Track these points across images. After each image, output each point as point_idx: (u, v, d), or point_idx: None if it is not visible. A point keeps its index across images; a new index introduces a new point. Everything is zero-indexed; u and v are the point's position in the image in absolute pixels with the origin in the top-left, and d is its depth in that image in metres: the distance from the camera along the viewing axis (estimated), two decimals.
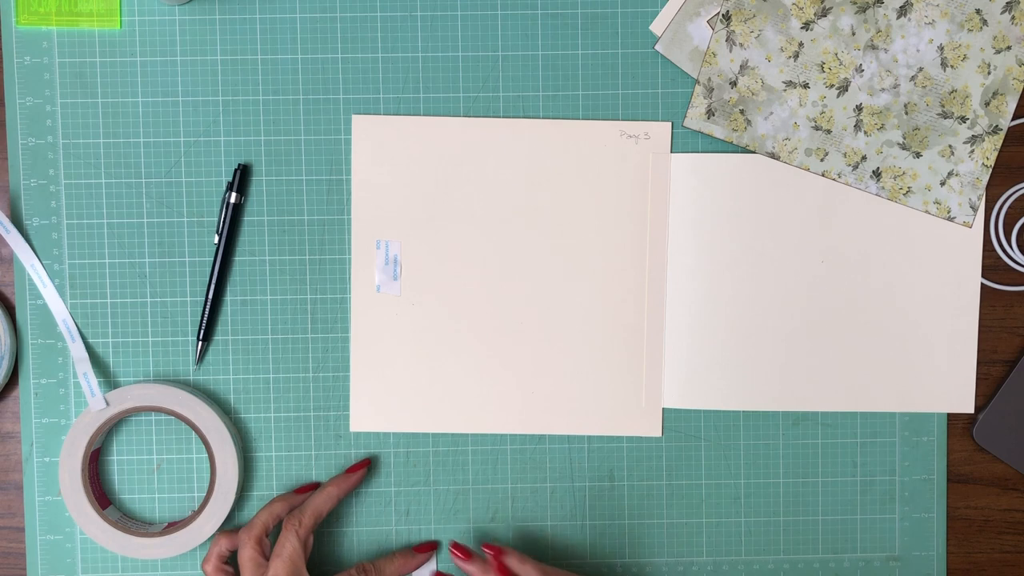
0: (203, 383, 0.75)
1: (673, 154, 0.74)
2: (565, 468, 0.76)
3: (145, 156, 0.74)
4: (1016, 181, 0.75)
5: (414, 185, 0.74)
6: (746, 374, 0.75)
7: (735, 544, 0.76)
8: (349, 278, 0.75)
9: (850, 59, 0.73)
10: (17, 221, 0.74)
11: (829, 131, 0.73)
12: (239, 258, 0.74)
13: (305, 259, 0.74)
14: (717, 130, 0.74)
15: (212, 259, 0.74)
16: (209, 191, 0.74)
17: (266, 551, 0.69)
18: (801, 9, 0.72)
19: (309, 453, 0.75)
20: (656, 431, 0.75)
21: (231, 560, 0.72)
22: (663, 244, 0.74)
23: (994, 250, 0.75)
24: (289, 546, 0.68)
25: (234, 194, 0.73)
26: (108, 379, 0.74)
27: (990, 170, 0.74)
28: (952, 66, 0.73)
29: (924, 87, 0.73)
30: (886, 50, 0.73)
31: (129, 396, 0.72)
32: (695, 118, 0.74)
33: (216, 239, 0.74)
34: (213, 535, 0.72)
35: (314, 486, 0.74)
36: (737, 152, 0.74)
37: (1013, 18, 0.72)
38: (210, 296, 0.74)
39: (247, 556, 0.69)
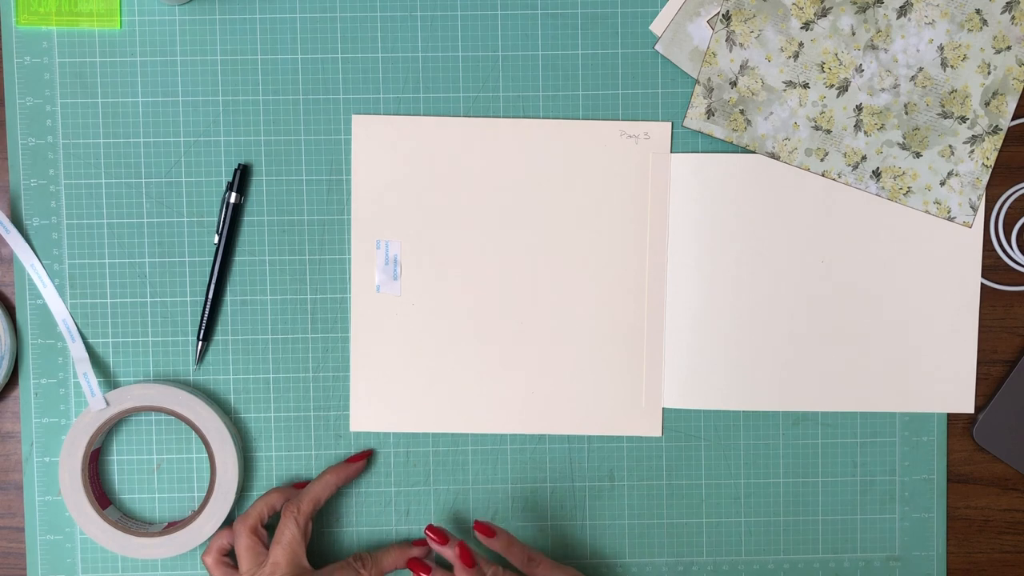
0: (203, 383, 0.75)
1: (673, 154, 0.74)
2: (565, 468, 0.76)
3: (145, 156, 0.74)
4: (1016, 181, 0.75)
5: (414, 185, 0.74)
6: (746, 374, 0.75)
7: (735, 544, 0.76)
8: (349, 278, 0.75)
9: (850, 59, 0.73)
10: (17, 221, 0.74)
11: (829, 131, 0.73)
12: (239, 258, 0.74)
13: (305, 259, 0.74)
14: (717, 130, 0.74)
15: (212, 259, 0.74)
16: (209, 191, 0.74)
17: (263, 539, 0.70)
18: (801, 9, 0.72)
19: (309, 453, 0.75)
20: (656, 431, 0.75)
21: (232, 554, 0.72)
22: (663, 244, 0.74)
23: (994, 250, 0.75)
24: (288, 533, 0.68)
25: (234, 194, 0.73)
26: (108, 379, 0.74)
27: (990, 170, 0.74)
28: (952, 66, 0.73)
29: (924, 87, 0.73)
30: (886, 50, 0.73)
31: (129, 396, 0.72)
32: (695, 118, 0.74)
33: (216, 239, 0.74)
34: (213, 534, 0.72)
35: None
36: (737, 152, 0.74)
37: (1013, 18, 0.72)
38: (210, 296, 0.74)
39: (244, 545, 0.69)
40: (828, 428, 0.76)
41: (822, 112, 0.73)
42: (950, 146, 0.73)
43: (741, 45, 0.73)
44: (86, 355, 0.73)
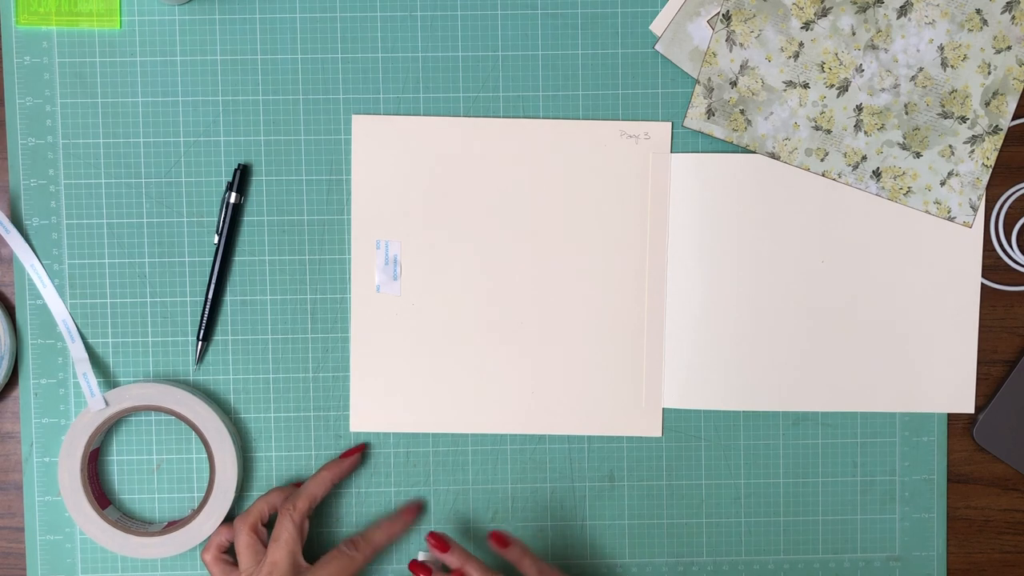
0: (203, 383, 0.75)
1: (673, 154, 0.74)
2: (565, 468, 0.76)
3: (145, 156, 0.74)
4: (1016, 181, 0.75)
5: (414, 185, 0.74)
6: (746, 374, 0.75)
7: (735, 544, 0.76)
8: (349, 278, 0.75)
9: (850, 59, 0.73)
10: (17, 221, 0.74)
11: (829, 131, 0.73)
12: (239, 258, 0.74)
13: (305, 259, 0.74)
14: (717, 130, 0.74)
15: (212, 259, 0.74)
16: (209, 191, 0.74)
17: (262, 538, 0.70)
18: (801, 9, 0.72)
19: (309, 453, 0.75)
20: (656, 431, 0.75)
21: (231, 551, 0.72)
22: (663, 244, 0.74)
23: (994, 250, 0.75)
24: (285, 532, 0.68)
25: (234, 194, 0.73)
26: (108, 379, 0.74)
27: (990, 170, 0.74)
28: (952, 66, 0.73)
29: (924, 87, 0.73)
30: (886, 50, 0.73)
31: (128, 396, 0.72)
32: (695, 118, 0.74)
33: (216, 239, 0.74)
34: (213, 532, 0.73)
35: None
36: (737, 152, 0.74)
37: (1013, 18, 0.72)
38: (210, 296, 0.74)
39: (243, 543, 0.69)
40: (828, 428, 0.76)
41: (822, 112, 0.73)
42: (950, 146, 0.73)
43: (741, 45, 0.73)
44: (86, 355, 0.73)
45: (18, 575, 0.75)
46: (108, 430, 0.75)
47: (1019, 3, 0.72)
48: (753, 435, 0.76)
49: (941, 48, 0.73)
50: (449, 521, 0.76)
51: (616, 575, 0.76)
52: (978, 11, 0.72)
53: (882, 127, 0.73)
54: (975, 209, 0.74)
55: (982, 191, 0.74)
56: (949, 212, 0.74)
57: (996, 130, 0.73)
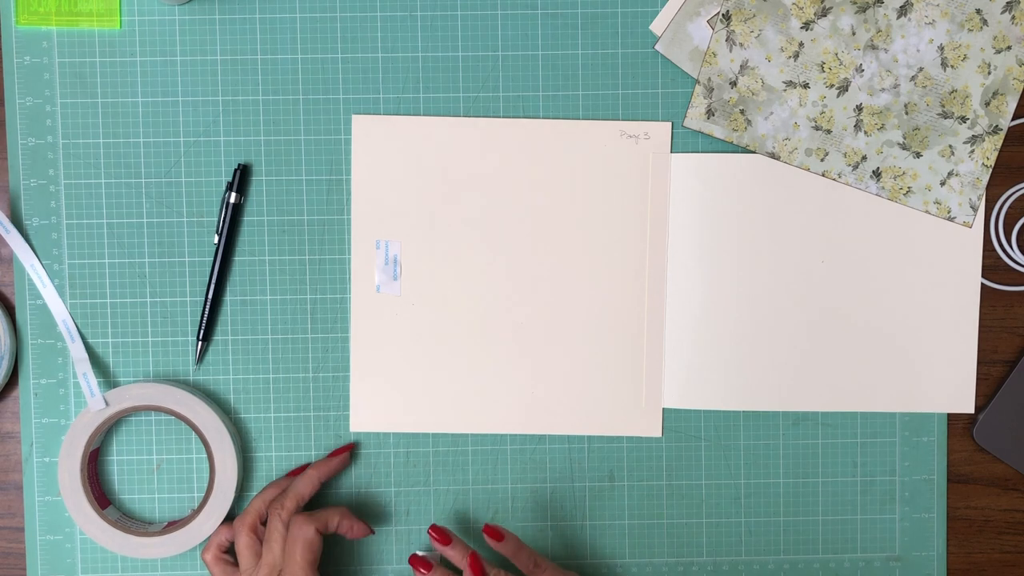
0: (203, 383, 0.75)
1: (673, 154, 0.74)
2: (565, 468, 0.76)
3: (145, 156, 0.74)
4: (1016, 181, 0.75)
5: (414, 185, 0.74)
6: (746, 374, 0.75)
7: (735, 544, 0.76)
8: (349, 278, 0.75)
9: (850, 59, 0.73)
10: (17, 221, 0.74)
11: (829, 131, 0.73)
12: (239, 258, 0.74)
13: (305, 259, 0.74)
14: (717, 130, 0.74)
15: (212, 259, 0.74)
16: (209, 191, 0.74)
17: (261, 537, 0.70)
18: (801, 9, 0.72)
19: (309, 453, 0.75)
20: (656, 431, 0.75)
21: (231, 551, 0.72)
22: (663, 244, 0.74)
23: (994, 250, 0.75)
24: (276, 532, 0.68)
25: (234, 194, 0.73)
26: (108, 379, 0.74)
27: (990, 170, 0.74)
28: (952, 66, 0.73)
29: (924, 87, 0.73)
30: (886, 50, 0.73)
31: (128, 395, 0.72)
32: (695, 118, 0.74)
33: (216, 239, 0.74)
34: (213, 532, 0.73)
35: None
36: (737, 152, 0.74)
37: (1013, 18, 0.72)
38: (210, 296, 0.74)
39: (243, 543, 0.69)
40: (828, 428, 0.76)
41: (822, 112, 0.73)
42: (950, 146, 0.73)
43: (741, 45, 0.73)
44: (86, 355, 0.73)
45: (18, 575, 0.75)
46: (108, 430, 0.75)
47: (1019, 3, 0.72)
48: (753, 435, 0.76)
49: (941, 48, 0.73)
50: (449, 521, 0.76)
51: (616, 575, 0.76)
52: (978, 11, 0.72)
53: (882, 127, 0.73)
54: (975, 209, 0.74)
55: (982, 191, 0.74)
56: (949, 212, 0.74)
57: (996, 130, 0.73)
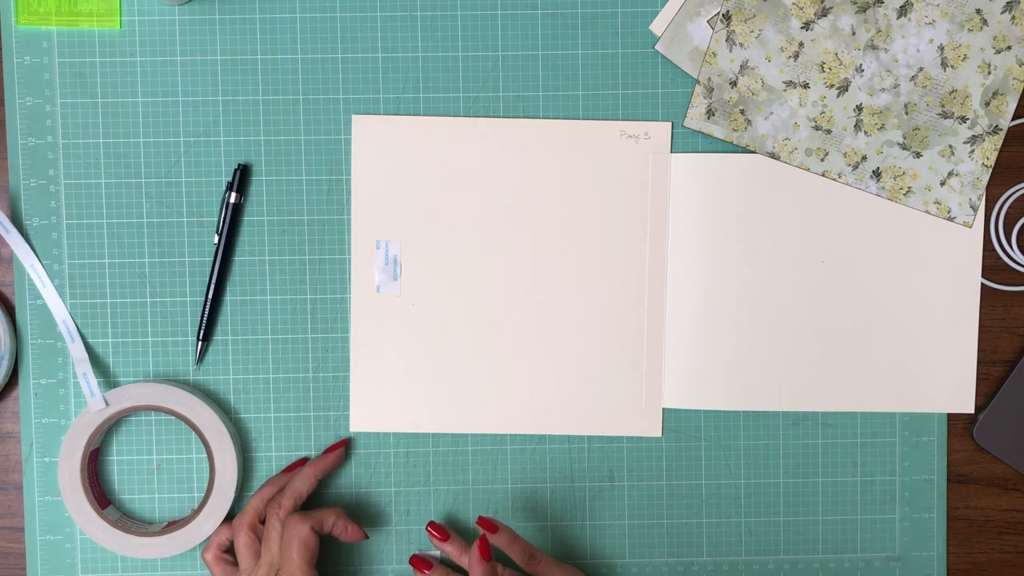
0: (203, 383, 0.75)
1: (673, 154, 0.74)
2: (565, 468, 0.76)
3: (145, 156, 0.74)
4: (1016, 181, 0.75)
5: (414, 185, 0.74)
6: (746, 374, 0.75)
7: (735, 544, 0.76)
8: (349, 278, 0.75)
9: (850, 59, 0.73)
10: (17, 221, 0.74)
11: (829, 131, 0.73)
12: (239, 258, 0.74)
13: (305, 259, 0.74)
14: (717, 130, 0.74)
15: (212, 259, 0.74)
16: (209, 191, 0.74)
17: (261, 536, 0.70)
18: (801, 9, 0.72)
19: (309, 453, 0.75)
20: (656, 431, 0.75)
21: (231, 551, 0.72)
22: (663, 244, 0.74)
23: (994, 250, 0.75)
24: (274, 531, 0.68)
25: (234, 194, 0.73)
26: (108, 379, 0.74)
27: (990, 170, 0.74)
28: (952, 66, 0.73)
29: (924, 87, 0.73)
30: (886, 50, 0.73)
31: (128, 395, 0.72)
32: (695, 118, 0.74)
33: (216, 239, 0.74)
34: (214, 531, 0.73)
35: (302, 462, 0.74)
36: (737, 152, 0.74)
37: (1013, 18, 0.72)
38: (210, 296, 0.74)
39: (242, 543, 0.69)
40: (828, 428, 0.76)
41: (822, 112, 0.73)
42: (950, 146, 0.73)
43: (741, 45, 0.73)
44: (86, 355, 0.73)
45: (18, 575, 0.75)
46: (108, 430, 0.75)
47: (1019, 3, 0.72)
48: (753, 435, 0.76)
49: (941, 48, 0.73)
50: (449, 521, 0.76)
51: (616, 575, 0.76)
52: (978, 11, 0.72)
53: (882, 127, 0.73)
54: (975, 209, 0.74)
55: (982, 191, 0.74)
56: (949, 212, 0.74)
57: (996, 130, 0.73)
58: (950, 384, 0.75)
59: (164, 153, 0.74)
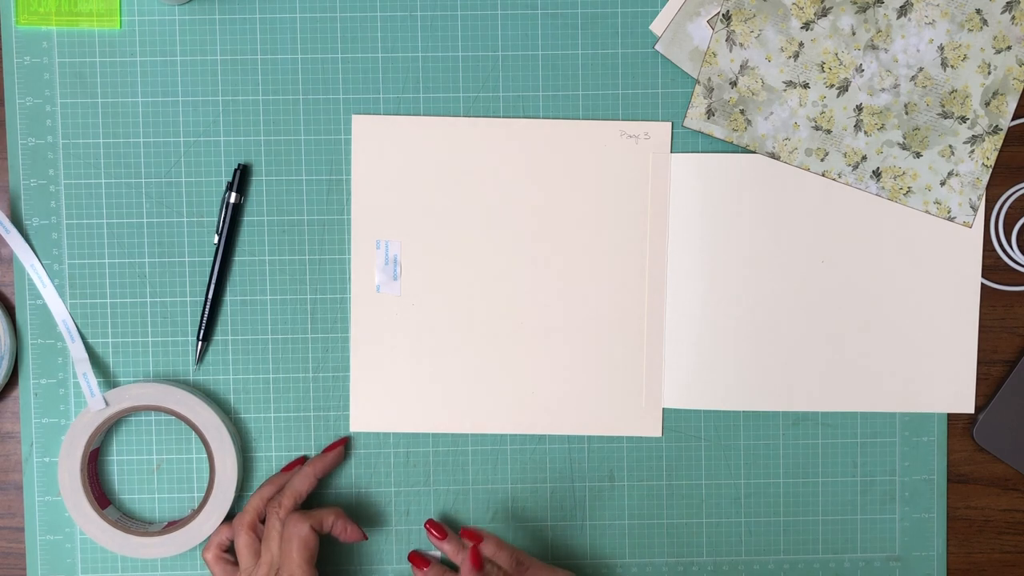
0: (203, 383, 0.75)
1: (673, 154, 0.74)
2: (565, 468, 0.76)
3: (145, 156, 0.74)
4: (1016, 181, 0.75)
5: (414, 185, 0.74)
6: (746, 374, 0.75)
7: (735, 544, 0.76)
8: (349, 278, 0.75)
9: (850, 59, 0.73)
10: (17, 221, 0.74)
11: (829, 131, 0.73)
12: (239, 258, 0.74)
13: (305, 259, 0.74)
14: (717, 130, 0.74)
15: (212, 259, 0.74)
16: (209, 191, 0.74)
17: (261, 535, 0.70)
18: (801, 9, 0.72)
19: (309, 453, 0.75)
20: (656, 431, 0.75)
21: (231, 550, 0.72)
22: (663, 244, 0.74)
23: (994, 250, 0.75)
24: (274, 531, 0.68)
25: (234, 194, 0.73)
26: (108, 379, 0.74)
27: (990, 170, 0.74)
28: (952, 66, 0.73)
29: (924, 87, 0.73)
30: (886, 50, 0.73)
31: (128, 395, 0.72)
32: (695, 118, 0.74)
33: (216, 239, 0.74)
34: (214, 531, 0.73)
35: (301, 460, 0.74)
36: (737, 152, 0.74)
37: (1013, 18, 0.72)
38: (210, 296, 0.74)
39: (242, 543, 0.69)
40: (828, 428, 0.76)
41: (822, 112, 0.73)
42: (950, 146, 0.73)
43: (741, 45, 0.73)
44: (86, 355, 0.73)
45: (18, 575, 0.75)
46: (108, 430, 0.75)
47: (1019, 3, 0.72)
48: (753, 435, 0.76)
49: (941, 48, 0.73)
50: (449, 521, 0.76)
51: (616, 575, 0.76)
52: (978, 11, 0.72)
53: (882, 127, 0.73)
54: (975, 209, 0.74)
55: (982, 191, 0.74)
56: (949, 212, 0.74)
57: (996, 130, 0.73)
58: (950, 384, 0.75)
59: (164, 153, 0.74)
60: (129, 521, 0.74)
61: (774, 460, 0.76)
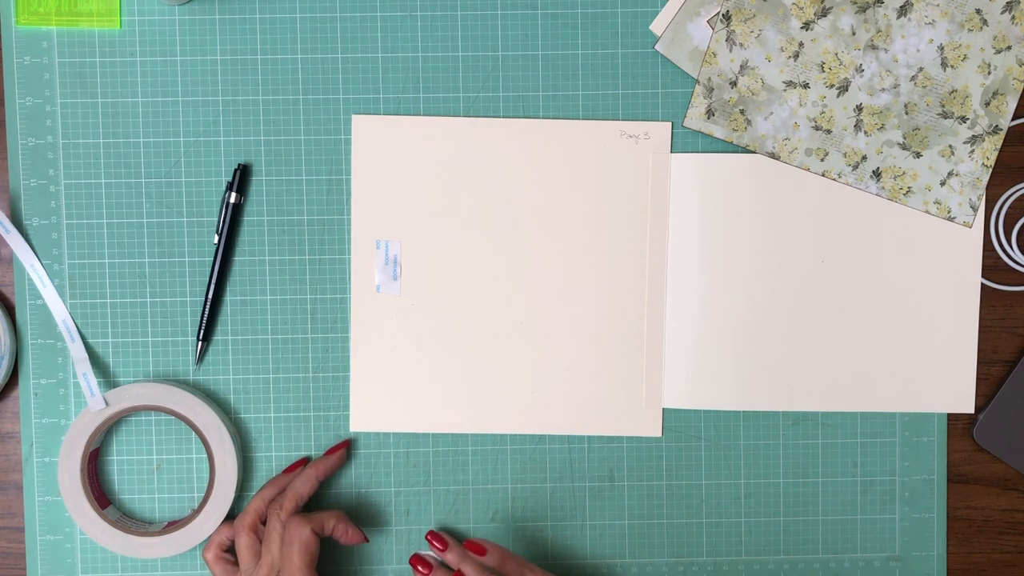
0: (203, 383, 0.75)
1: (673, 154, 0.74)
2: (565, 468, 0.76)
3: (145, 156, 0.74)
4: (1016, 181, 0.75)
5: (414, 185, 0.74)
6: (746, 374, 0.75)
7: (735, 544, 0.76)
8: (349, 278, 0.75)
9: (850, 59, 0.73)
10: (17, 221, 0.74)
11: (829, 131, 0.73)
12: (239, 258, 0.74)
13: (305, 259, 0.74)
14: (717, 130, 0.74)
15: (212, 259, 0.74)
16: (209, 191, 0.74)
17: (261, 537, 0.70)
18: (801, 9, 0.72)
19: (309, 453, 0.75)
20: (656, 431, 0.75)
21: (232, 550, 0.72)
22: (663, 244, 0.74)
23: (994, 250, 0.75)
24: (274, 533, 0.68)
25: (234, 194, 0.73)
26: (108, 379, 0.74)
27: (990, 170, 0.74)
28: (952, 66, 0.73)
29: (924, 87, 0.73)
30: (886, 50, 0.73)
31: (128, 395, 0.72)
32: (695, 118, 0.74)
33: (216, 239, 0.74)
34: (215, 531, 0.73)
35: (303, 462, 0.74)
36: (737, 152, 0.74)
37: (1013, 18, 0.72)
38: (210, 296, 0.74)
39: (243, 544, 0.69)
40: (828, 428, 0.76)
41: (822, 112, 0.73)
42: (950, 146, 0.73)
43: (741, 45, 0.73)
44: (86, 355, 0.73)
45: (18, 575, 0.75)
46: (108, 430, 0.75)
47: (1019, 3, 0.72)
48: (753, 435, 0.76)
49: (941, 48, 0.73)
50: (449, 521, 0.76)
51: (616, 575, 0.76)
52: (978, 11, 0.72)
53: (882, 127, 0.73)
54: (975, 209, 0.74)
55: (982, 191, 0.74)
56: (949, 212, 0.74)
57: (996, 130, 0.73)
58: (950, 384, 0.75)
59: (164, 153, 0.74)
60: (129, 521, 0.74)
61: (774, 460, 0.76)
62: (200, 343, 0.74)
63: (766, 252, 0.74)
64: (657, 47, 0.74)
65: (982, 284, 0.75)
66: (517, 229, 0.74)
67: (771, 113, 0.73)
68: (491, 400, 0.75)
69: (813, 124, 0.73)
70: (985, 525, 0.77)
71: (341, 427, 0.75)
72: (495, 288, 0.74)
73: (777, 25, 0.73)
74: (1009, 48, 0.73)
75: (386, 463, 0.76)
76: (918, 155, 0.73)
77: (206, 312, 0.74)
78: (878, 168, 0.74)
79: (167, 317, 0.74)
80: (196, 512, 0.73)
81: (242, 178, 0.73)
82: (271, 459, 0.75)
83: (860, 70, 0.73)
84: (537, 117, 0.74)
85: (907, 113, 0.73)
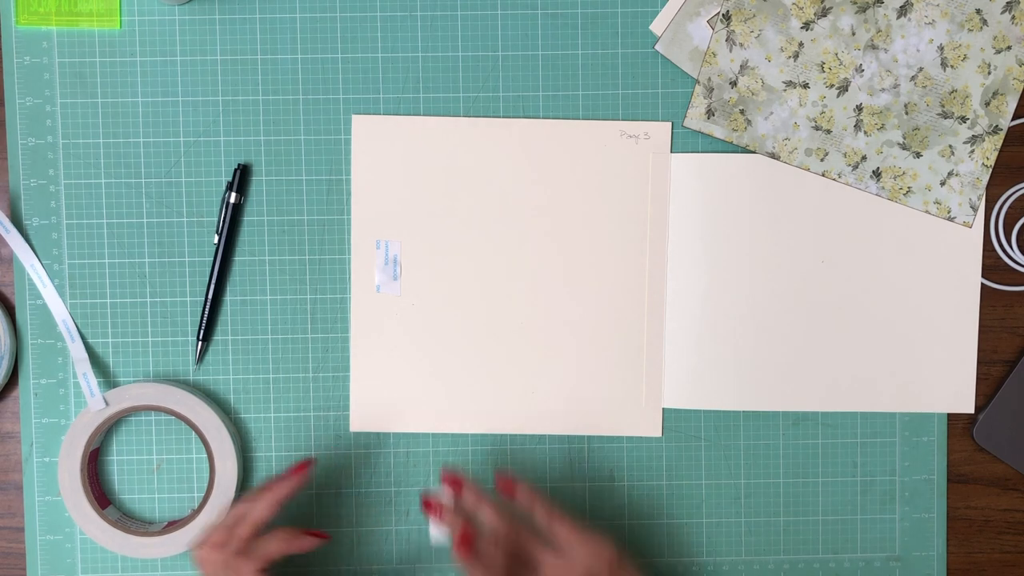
0: (203, 383, 0.75)
1: (673, 154, 0.74)
2: (565, 468, 0.76)
3: (145, 156, 0.74)
4: (1016, 181, 0.75)
5: (414, 185, 0.74)
6: (746, 374, 0.75)
7: (735, 544, 0.76)
8: (349, 278, 0.75)
9: (850, 59, 0.73)
10: (17, 221, 0.74)
11: (829, 131, 0.73)
12: (239, 258, 0.74)
13: (305, 259, 0.74)
14: (717, 130, 0.74)
15: (212, 259, 0.74)
16: (209, 191, 0.74)
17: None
18: (801, 9, 0.72)
19: (309, 453, 0.75)
20: (656, 431, 0.75)
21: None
22: (663, 244, 0.74)
23: (994, 250, 0.75)
24: (231, 571, 0.65)
25: (234, 194, 0.73)
26: (108, 379, 0.74)
27: (990, 170, 0.74)
28: (952, 66, 0.73)
29: (924, 87, 0.73)
30: (886, 50, 0.73)
31: (128, 395, 0.72)
32: (695, 118, 0.74)
33: (216, 239, 0.74)
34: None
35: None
36: (737, 152, 0.74)
37: (1013, 18, 0.72)
38: (210, 296, 0.74)
39: (209, 560, 0.66)
40: (828, 428, 0.76)
41: (822, 112, 0.73)
42: (950, 146, 0.73)
43: (741, 45, 0.73)
44: (86, 355, 0.73)
45: (18, 575, 0.75)
46: (108, 430, 0.75)
47: (1019, 3, 0.72)
48: (753, 435, 0.76)
49: (941, 48, 0.73)
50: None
51: None
52: (978, 11, 0.72)
53: (882, 127, 0.73)
54: (975, 209, 0.74)
55: (982, 191, 0.74)
56: (949, 212, 0.74)
57: (996, 130, 0.73)
58: (950, 384, 0.75)
59: (164, 153, 0.74)
60: (129, 521, 0.74)
61: (774, 460, 0.76)
62: (200, 343, 0.74)
63: (766, 252, 0.74)
64: (657, 47, 0.74)
65: (982, 284, 0.75)
66: (517, 229, 0.74)
67: (771, 113, 0.73)
68: (491, 400, 0.75)
69: (813, 124, 0.73)
70: (985, 525, 0.77)
71: (341, 427, 0.75)
72: (495, 288, 0.74)
73: (777, 25, 0.73)
74: (1009, 48, 0.73)
75: (386, 463, 0.76)
76: (918, 155, 0.73)
77: (206, 312, 0.74)
78: (878, 168, 0.74)
79: (167, 317, 0.74)
80: (196, 512, 0.73)
81: (242, 178, 0.73)
82: (271, 459, 0.75)
83: (860, 70, 0.73)
84: (537, 117, 0.74)
85: (907, 113, 0.73)
